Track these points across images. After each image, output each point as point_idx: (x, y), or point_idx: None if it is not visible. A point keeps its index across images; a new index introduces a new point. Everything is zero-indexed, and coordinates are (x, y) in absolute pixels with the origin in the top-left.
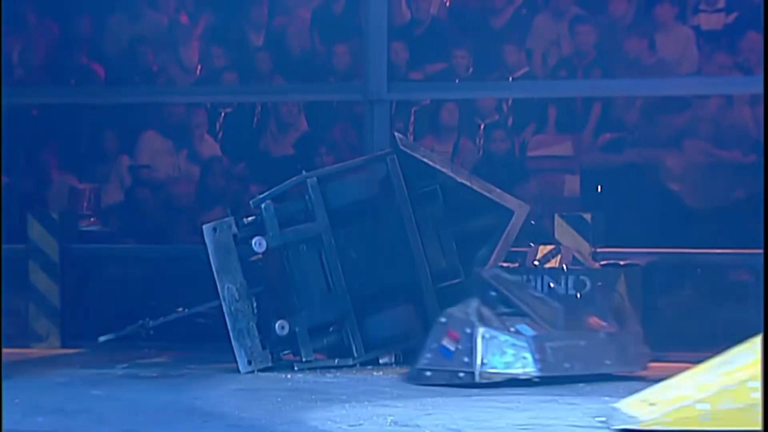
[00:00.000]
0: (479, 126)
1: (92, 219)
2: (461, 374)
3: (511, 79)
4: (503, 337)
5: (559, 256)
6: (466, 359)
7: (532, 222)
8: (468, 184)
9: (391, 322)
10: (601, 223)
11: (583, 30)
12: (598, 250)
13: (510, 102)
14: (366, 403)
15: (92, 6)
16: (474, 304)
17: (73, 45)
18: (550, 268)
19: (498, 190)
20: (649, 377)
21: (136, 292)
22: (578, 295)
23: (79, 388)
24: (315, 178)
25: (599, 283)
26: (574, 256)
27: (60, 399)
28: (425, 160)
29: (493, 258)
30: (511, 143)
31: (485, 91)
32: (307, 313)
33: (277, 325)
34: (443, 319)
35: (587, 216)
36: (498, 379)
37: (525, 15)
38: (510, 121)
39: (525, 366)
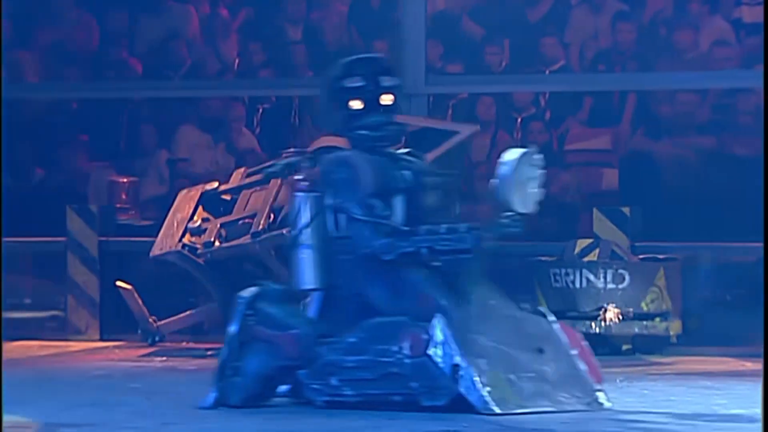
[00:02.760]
0: (516, 120)
1: (131, 212)
2: None
3: (547, 72)
4: None
5: (597, 250)
6: None
7: None
8: (413, 122)
9: None
10: (639, 216)
11: (624, 26)
12: (637, 243)
13: (547, 95)
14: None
15: (131, 1)
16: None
17: (111, 40)
18: (589, 262)
19: (448, 121)
20: (685, 371)
21: (174, 285)
22: None
23: (118, 381)
24: None
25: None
26: (612, 250)
27: (99, 392)
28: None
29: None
30: (548, 136)
31: (522, 85)
32: None
33: None
34: None
35: (626, 210)
36: None
37: (563, 8)
38: (547, 114)
39: None
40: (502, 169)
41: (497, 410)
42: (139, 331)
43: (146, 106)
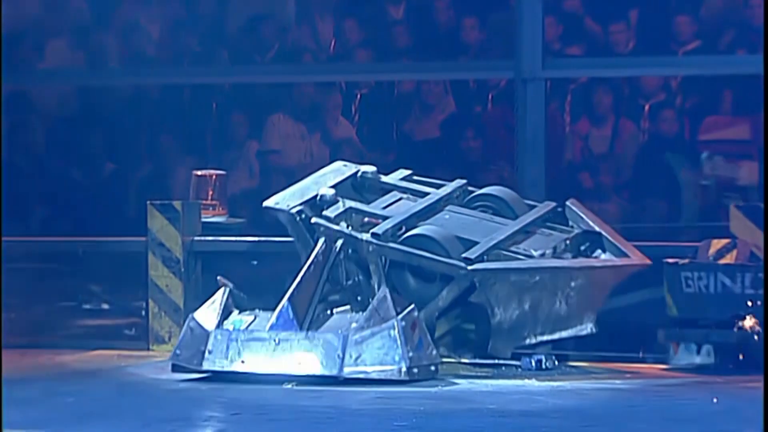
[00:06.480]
0: (643, 107)
1: (218, 209)
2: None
3: (680, 53)
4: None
5: (735, 252)
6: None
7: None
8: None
9: None
10: None
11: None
12: None
13: (679, 80)
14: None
15: None
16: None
17: (196, 25)
18: (725, 265)
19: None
20: None
21: (266, 288)
22: None
23: (205, 395)
24: None
25: None
26: (751, 252)
27: (183, 407)
28: None
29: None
30: (680, 125)
31: (651, 68)
32: None
33: None
34: None
35: None
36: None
37: None
38: (679, 100)
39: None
40: None
41: None
42: None
43: (235, 93)
